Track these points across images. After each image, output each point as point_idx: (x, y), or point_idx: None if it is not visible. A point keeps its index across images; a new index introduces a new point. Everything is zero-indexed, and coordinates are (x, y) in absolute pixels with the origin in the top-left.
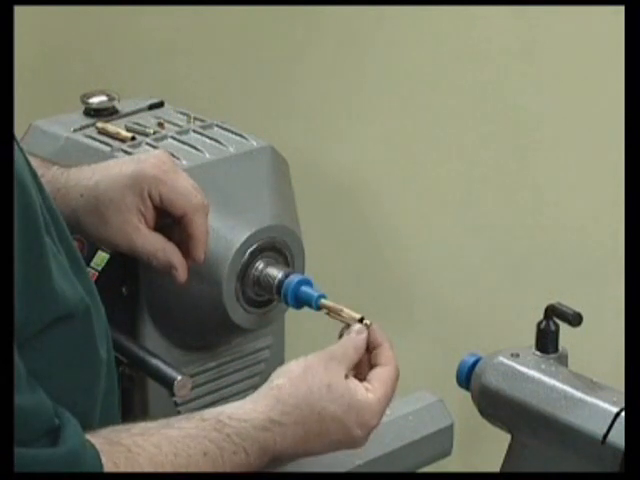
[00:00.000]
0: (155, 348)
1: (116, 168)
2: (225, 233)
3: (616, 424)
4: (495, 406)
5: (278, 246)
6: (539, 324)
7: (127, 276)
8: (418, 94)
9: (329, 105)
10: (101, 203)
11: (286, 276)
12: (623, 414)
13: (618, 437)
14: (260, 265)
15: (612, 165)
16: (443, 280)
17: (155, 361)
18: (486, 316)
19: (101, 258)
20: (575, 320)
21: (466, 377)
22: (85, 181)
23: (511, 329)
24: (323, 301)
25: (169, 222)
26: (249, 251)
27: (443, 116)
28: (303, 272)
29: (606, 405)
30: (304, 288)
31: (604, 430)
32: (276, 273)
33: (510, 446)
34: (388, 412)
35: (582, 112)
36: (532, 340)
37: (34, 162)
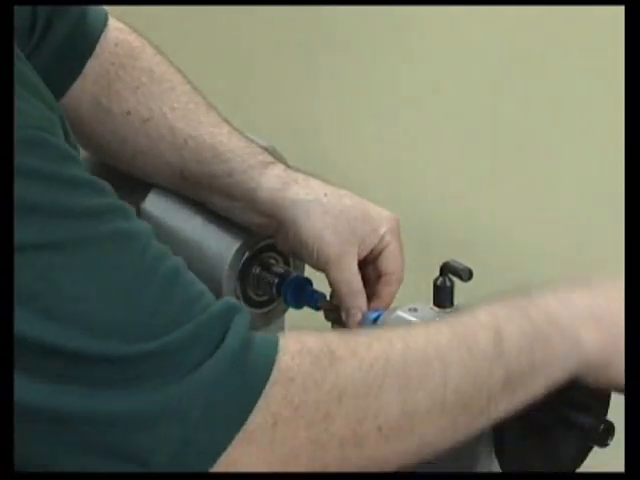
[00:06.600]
0: None
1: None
2: (225, 232)
3: None
4: None
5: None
6: (435, 281)
7: None
8: (423, 97)
9: (331, 106)
10: (341, 212)
11: (286, 276)
12: None
13: None
14: (260, 265)
15: (612, 165)
16: None
17: None
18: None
19: None
20: (465, 275)
21: None
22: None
23: None
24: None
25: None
26: (249, 251)
27: (447, 119)
28: (303, 272)
29: None
30: (304, 288)
31: None
32: (276, 273)
33: None
34: None
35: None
36: None
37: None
